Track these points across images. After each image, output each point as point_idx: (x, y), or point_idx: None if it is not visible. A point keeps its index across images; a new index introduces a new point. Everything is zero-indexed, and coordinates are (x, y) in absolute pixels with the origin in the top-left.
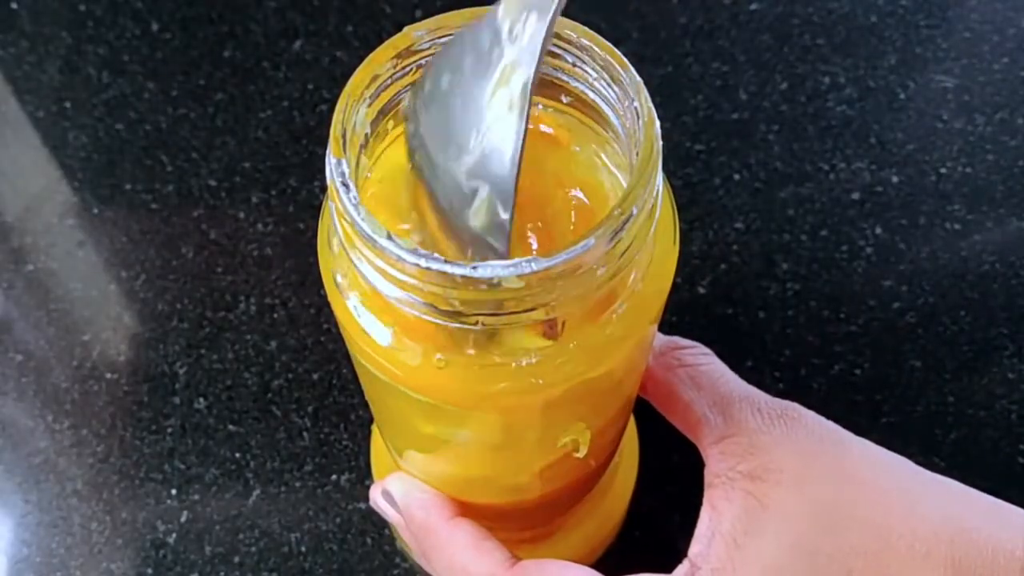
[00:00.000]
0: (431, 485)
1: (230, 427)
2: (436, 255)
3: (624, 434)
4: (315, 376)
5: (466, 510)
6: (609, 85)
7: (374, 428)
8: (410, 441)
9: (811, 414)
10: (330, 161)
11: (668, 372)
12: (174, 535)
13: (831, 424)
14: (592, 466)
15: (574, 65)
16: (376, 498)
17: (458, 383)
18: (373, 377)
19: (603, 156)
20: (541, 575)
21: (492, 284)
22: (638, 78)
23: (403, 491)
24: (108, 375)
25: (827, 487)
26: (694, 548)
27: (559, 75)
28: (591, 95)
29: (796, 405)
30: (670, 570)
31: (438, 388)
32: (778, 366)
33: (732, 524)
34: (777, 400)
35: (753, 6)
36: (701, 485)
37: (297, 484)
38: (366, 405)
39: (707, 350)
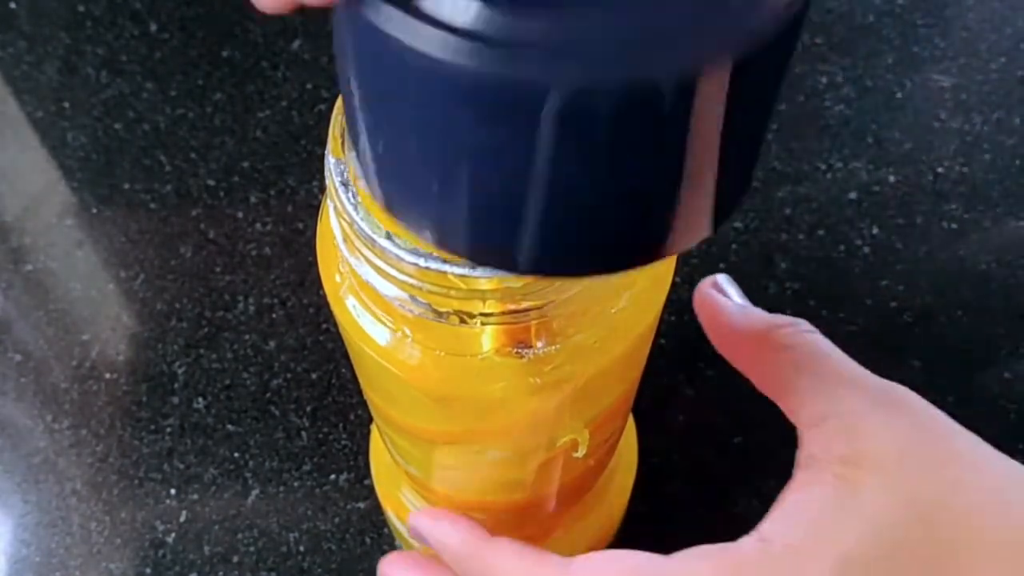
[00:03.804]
0: (429, 483)
1: (229, 427)
2: (435, 255)
3: (622, 433)
4: (314, 376)
5: (464, 510)
6: None
7: (373, 428)
8: (408, 440)
9: (918, 400)
10: (329, 161)
11: (771, 353)
12: (173, 535)
13: (937, 412)
14: (591, 464)
15: None
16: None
17: (457, 383)
18: (372, 376)
19: None
20: (594, 570)
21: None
22: None
23: (430, 525)
24: (107, 375)
25: (922, 480)
26: (768, 524)
27: None
28: None
29: (903, 388)
30: None
31: (437, 388)
32: None
33: (819, 508)
34: (883, 382)
35: None
36: (698, 485)
37: (296, 484)
38: (365, 405)
39: (810, 327)
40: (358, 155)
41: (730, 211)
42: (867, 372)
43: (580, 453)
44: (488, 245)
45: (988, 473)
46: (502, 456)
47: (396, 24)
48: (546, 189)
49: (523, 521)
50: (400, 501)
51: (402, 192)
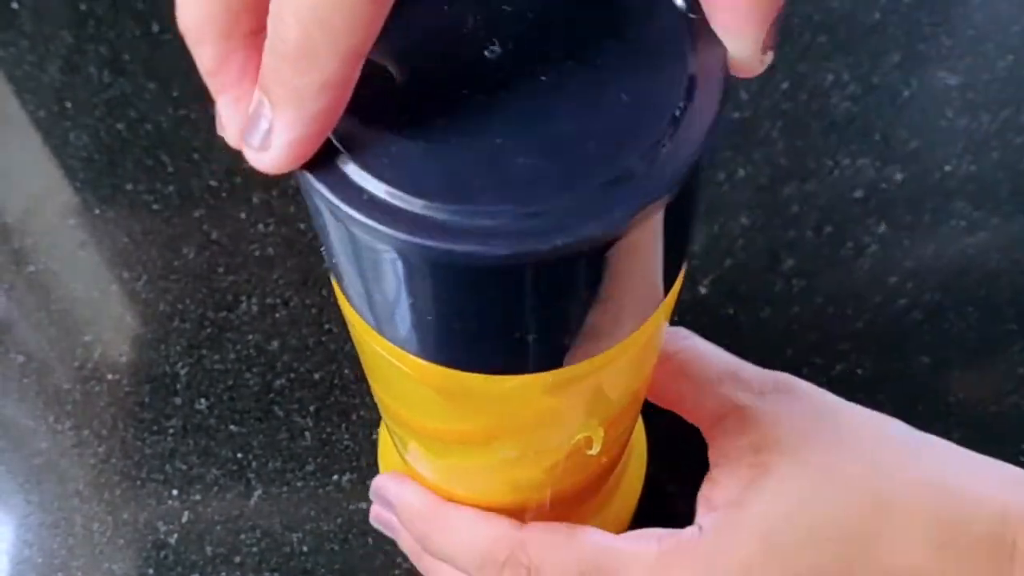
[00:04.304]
0: (438, 484)
1: (231, 427)
2: None
3: (633, 431)
4: (317, 376)
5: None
6: None
7: (382, 428)
8: (419, 440)
9: (802, 383)
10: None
11: (658, 367)
12: (175, 535)
13: (822, 391)
14: (603, 462)
15: None
16: (374, 510)
17: (468, 378)
18: (381, 374)
19: None
20: (552, 534)
21: None
22: None
23: (395, 486)
24: (110, 376)
25: (824, 453)
26: (702, 517)
27: None
28: None
29: (785, 375)
30: None
31: (448, 385)
32: (781, 364)
33: (738, 492)
34: (765, 372)
35: None
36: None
37: (299, 484)
38: (368, 405)
39: (686, 332)
40: (344, 285)
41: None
42: (746, 363)
43: (594, 451)
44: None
45: (879, 438)
46: (515, 455)
47: (341, 213)
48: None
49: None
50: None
51: (360, 306)
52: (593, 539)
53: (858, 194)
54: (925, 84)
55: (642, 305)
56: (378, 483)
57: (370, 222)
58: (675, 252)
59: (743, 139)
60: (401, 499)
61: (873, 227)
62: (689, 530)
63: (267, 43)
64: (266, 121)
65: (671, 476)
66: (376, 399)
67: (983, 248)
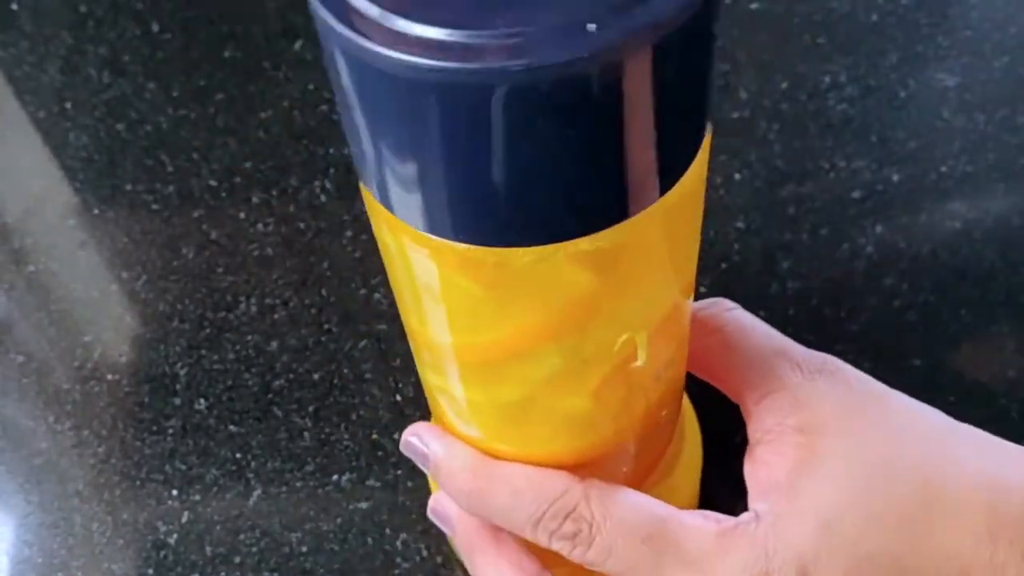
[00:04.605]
0: (481, 428)
1: (231, 427)
2: None
3: (683, 390)
4: (316, 376)
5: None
6: None
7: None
8: (458, 368)
9: (848, 367)
10: None
11: (702, 339)
12: (175, 536)
13: (867, 376)
14: (649, 404)
15: None
16: (434, 501)
17: (499, 254)
18: (413, 289)
19: None
20: (616, 491)
21: None
22: None
23: (438, 437)
24: (109, 376)
25: (873, 437)
26: (754, 501)
27: None
28: None
29: (832, 358)
30: None
31: (481, 271)
32: None
33: (788, 475)
34: (813, 353)
35: (754, 5)
36: None
37: (298, 484)
38: (367, 405)
39: (731, 304)
40: (370, 180)
41: (678, 171)
42: (792, 342)
43: (640, 360)
44: (470, 224)
45: (925, 424)
46: (559, 368)
47: (366, 54)
48: (507, 170)
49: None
50: None
51: (393, 188)
52: (657, 504)
53: (855, 195)
54: (922, 85)
55: (669, 157)
56: (411, 432)
57: (408, 58)
58: (697, 96)
59: (741, 140)
60: (446, 451)
61: (869, 228)
62: (746, 516)
63: None
64: None
65: (724, 480)
66: (413, 345)
67: (979, 249)
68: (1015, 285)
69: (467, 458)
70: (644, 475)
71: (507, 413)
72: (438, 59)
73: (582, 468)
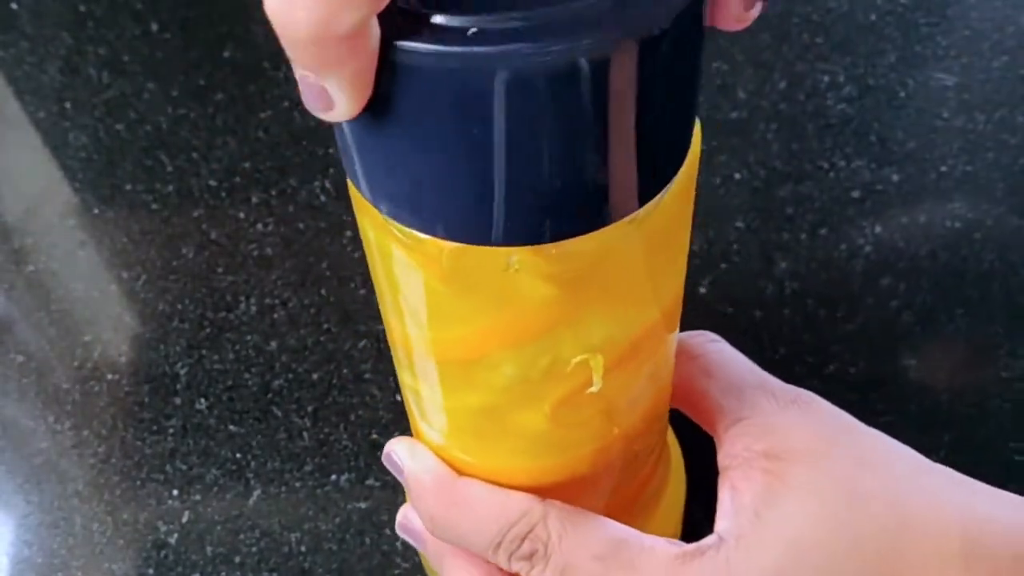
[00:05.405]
0: (446, 436)
1: (231, 427)
2: None
3: (663, 430)
4: (315, 376)
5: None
6: None
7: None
8: (424, 371)
9: (824, 402)
10: None
11: (681, 365)
12: (175, 535)
13: (843, 412)
14: (615, 435)
15: None
16: (400, 518)
17: (465, 253)
18: (385, 279)
19: None
20: (575, 513)
21: None
22: None
23: (408, 448)
24: (109, 376)
25: (844, 467)
26: (719, 524)
27: None
28: None
29: (809, 392)
30: None
31: (448, 268)
32: (774, 364)
33: (753, 499)
34: (789, 386)
35: None
36: None
37: (297, 484)
38: (367, 405)
39: (715, 336)
40: (346, 156)
41: (667, 175)
42: (770, 376)
43: (595, 386)
44: (468, 222)
45: (899, 461)
46: (516, 380)
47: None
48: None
49: None
50: None
51: (356, 165)
52: (618, 527)
53: (854, 195)
54: (921, 85)
55: (648, 165)
56: (389, 447)
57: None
58: (681, 102)
59: (739, 141)
60: (412, 465)
61: (867, 229)
62: (709, 539)
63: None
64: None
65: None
66: (390, 342)
67: (977, 250)
68: (1013, 286)
69: (433, 478)
70: (622, 508)
71: (471, 422)
72: (406, 39)
73: (549, 492)
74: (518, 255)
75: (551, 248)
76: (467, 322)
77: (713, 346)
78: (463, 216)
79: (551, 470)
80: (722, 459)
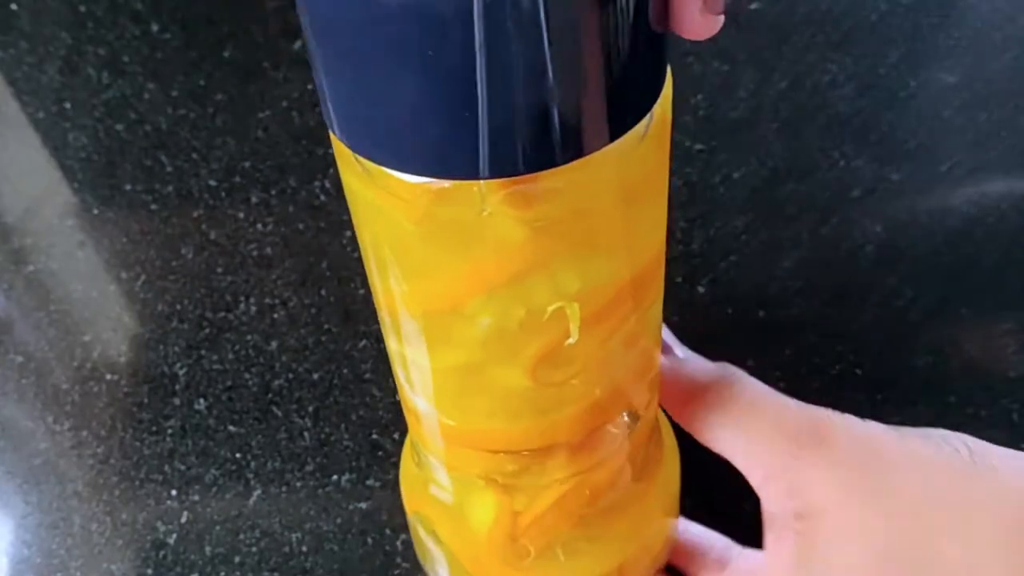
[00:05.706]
0: (428, 397)
1: (230, 428)
2: None
3: (651, 408)
4: (315, 376)
5: (484, 449)
6: None
7: (406, 445)
8: (403, 319)
9: (839, 425)
10: None
11: (712, 417)
12: (174, 536)
13: (862, 432)
14: (596, 397)
15: None
16: None
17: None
18: (368, 228)
19: None
20: None
21: None
22: None
23: None
24: (108, 376)
25: (870, 514)
26: None
27: None
28: None
29: (827, 419)
30: None
31: (422, 211)
32: (779, 365)
33: (787, 563)
34: (807, 417)
35: (754, 5)
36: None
37: (298, 484)
38: (367, 405)
39: (733, 373)
40: (322, 98)
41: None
42: (789, 405)
43: (573, 337)
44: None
45: (930, 488)
46: (493, 331)
47: None
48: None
49: (561, 513)
50: (427, 497)
51: (331, 103)
52: None
53: (855, 193)
54: (923, 83)
55: (620, 95)
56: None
57: None
58: (652, 30)
59: (741, 139)
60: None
61: (870, 227)
62: None
63: None
64: None
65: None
66: (376, 307)
67: (980, 248)
68: (1017, 284)
69: None
70: (610, 485)
71: (455, 382)
72: None
73: (531, 461)
74: (492, 197)
75: (525, 188)
76: (443, 268)
77: (734, 389)
78: (436, 147)
79: (533, 433)
80: (763, 515)
